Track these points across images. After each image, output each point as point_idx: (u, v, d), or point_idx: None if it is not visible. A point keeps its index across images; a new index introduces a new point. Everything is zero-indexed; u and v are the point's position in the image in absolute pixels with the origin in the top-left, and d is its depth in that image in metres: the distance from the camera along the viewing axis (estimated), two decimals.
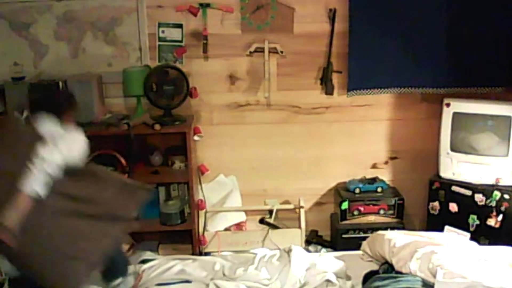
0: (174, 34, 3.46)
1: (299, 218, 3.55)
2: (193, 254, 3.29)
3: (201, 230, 3.48)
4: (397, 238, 2.50)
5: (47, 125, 2.36)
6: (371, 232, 3.13)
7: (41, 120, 2.37)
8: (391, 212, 3.50)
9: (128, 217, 2.37)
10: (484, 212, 3.20)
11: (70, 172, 2.24)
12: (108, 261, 2.57)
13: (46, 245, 2.15)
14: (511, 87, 3.44)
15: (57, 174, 2.18)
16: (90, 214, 2.23)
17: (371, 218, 3.49)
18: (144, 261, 2.82)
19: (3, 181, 2.13)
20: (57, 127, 2.38)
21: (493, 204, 3.17)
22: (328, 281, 2.48)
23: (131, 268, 2.67)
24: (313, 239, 3.65)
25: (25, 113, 2.43)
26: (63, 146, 2.24)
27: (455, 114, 3.30)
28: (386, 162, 3.74)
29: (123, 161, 3.26)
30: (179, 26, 3.45)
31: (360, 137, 3.67)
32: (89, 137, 2.56)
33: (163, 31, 3.46)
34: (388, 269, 2.47)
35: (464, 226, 3.27)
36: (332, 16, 3.42)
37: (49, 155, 2.15)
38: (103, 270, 2.59)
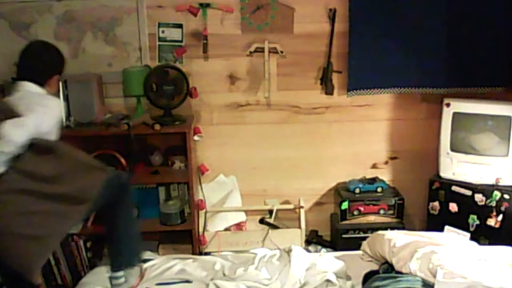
0: (174, 34, 3.46)
1: (299, 218, 3.55)
2: (193, 254, 3.28)
3: (201, 230, 3.47)
4: (397, 238, 2.50)
5: (25, 94, 2.33)
6: (371, 232, 3.13)
7: (20, 88, 2.34)
8: (391, 212, 3.49)
9: (85, 198, 2.29)
10: (484, 212, 3.20)
11: (33, 148, 2.20)
12: (119, 247, 2.55)
13: (1, 224, 2.12)
14: (511, 87, 3.44)
15: (17, 151, 2.14)
16: (47, 194, 2.18)
17: (371, 218, 3.49)
18: (144, 261, 2.81)
19: None
20: (34, 96, 2.34)
21: (493, 204, 3.16)
22: (328, 281, 2.48)
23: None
24: (313, 239, 3.65)
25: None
26: (32, 119, 2.20)
27: (455, 114, 3.30)
28: (386, 162, 3.74)
29: (123, 161, 3.26)
30: (179, 26, 3.45)
31: (360, 137, 3.67)
32: (89, 137, 2.54)
33: (163, 31, 3.46)
34: (388, 269, 2.47)
35: (464, 226, 3.26)
36: (332, 16, 3.42)
37: (11, 132, 2.12)
38: (111, 254, 2.58)
